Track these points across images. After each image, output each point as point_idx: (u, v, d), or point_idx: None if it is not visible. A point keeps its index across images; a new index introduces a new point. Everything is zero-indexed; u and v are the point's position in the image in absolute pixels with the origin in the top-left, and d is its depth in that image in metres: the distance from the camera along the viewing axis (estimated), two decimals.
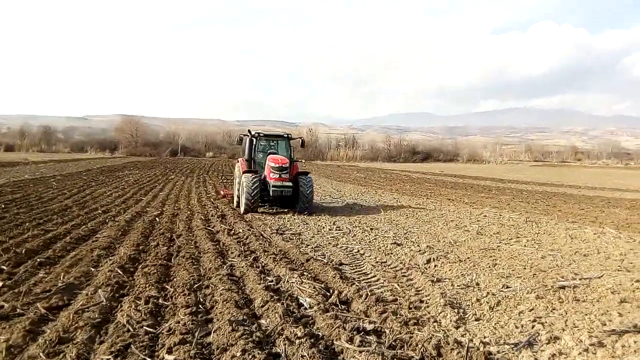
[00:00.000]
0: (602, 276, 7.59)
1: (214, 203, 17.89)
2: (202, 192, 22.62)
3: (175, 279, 7.08)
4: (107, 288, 6.35)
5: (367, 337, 4.82)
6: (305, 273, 7.52)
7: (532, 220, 14.54)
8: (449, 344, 4.61)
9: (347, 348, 4.52)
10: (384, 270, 7.97)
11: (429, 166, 74.01)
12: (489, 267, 8.23)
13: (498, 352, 4.57)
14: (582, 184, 35.07)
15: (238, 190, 16.15)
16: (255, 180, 14.72)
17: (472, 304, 6.16)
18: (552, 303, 6.14)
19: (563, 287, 6.82)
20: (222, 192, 20.08)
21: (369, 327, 5.13)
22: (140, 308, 5.55)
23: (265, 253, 9.05)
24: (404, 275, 7.67)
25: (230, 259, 8.62)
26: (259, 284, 6.76)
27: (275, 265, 8.05)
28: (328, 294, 6.45)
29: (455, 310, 5.78)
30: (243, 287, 6.83)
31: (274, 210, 16.18)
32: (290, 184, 15.11)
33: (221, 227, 12.09)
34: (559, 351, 4.55)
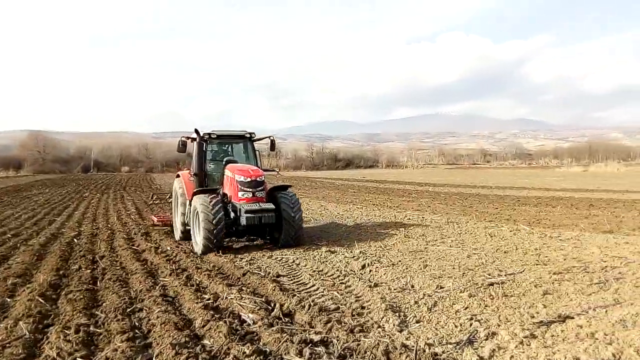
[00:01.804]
0: (523, 271, 8.13)
1: (135, 220, 17.04)
2: (120, 209, 21.50)
3: (105, 304, 6.64)
4: (29, 319, 5.83)
5: (315, 348, 4.80)
6: (243, 288, 7.36)
7: (452, 221, 15.26)
8: (396, 348, 4.70)
9: None
10: (322, 279, 7.99)
11: (352, 173, 75.65)
12: (421, 269, 8.52)
13: (443, 352, 4.72)
14: (493, 184, 37.39)
15: (184, 219, 11.97)
16: (216, 204, 10.27)
17: (411, 306, 6.33)
18: (484, 300, 6.47)
19: (492, 284, 7.22)
20: (154, 219, 14.79)
21: (316, 338, 5.11)
22: (70, 338, 5.14)
23: (199, 270, 8.77)
24: (342, 283, 7.74)
25: (161, 278, 8.25)
26: (197, 302, 6.51)
27: (211, 282, 7.82)
28: (270, 307, 6.35)
29: (397, 314, 5.91)
30: (180, 308, 6.55)
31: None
32: (271, 206, 10.70)
33: (147, 245, 11.55)
34: (497, 346, 4.79)
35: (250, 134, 12.54)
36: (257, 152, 12.72)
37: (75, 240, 12.38)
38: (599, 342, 4.79)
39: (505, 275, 7.83)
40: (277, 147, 13.61)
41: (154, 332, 5.44)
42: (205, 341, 5.17)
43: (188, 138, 12.07)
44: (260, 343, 5.09)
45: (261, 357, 4.55)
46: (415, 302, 6.46)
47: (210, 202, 10.28)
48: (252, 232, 11.39)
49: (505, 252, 10.04)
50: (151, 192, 28.94)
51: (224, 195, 11.07)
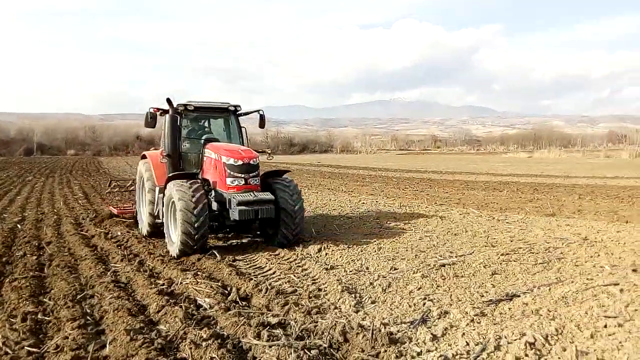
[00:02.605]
0: (473, 252, 8.44)
1: (84, 205, 16.42)
2: (67, 193, 20.64)
3: (53, 291, 6.41)
4: None
5: (273, 331, 4.83)
6: (199, 272, 7.28)
7: (405, 204, 15.59)
8: (353, 328, 4.80)
9: (256, 344, 4.49)
10: (279, 263, 8.01)
11: (307, 157, 75.65)
12: (375, 251, 8.68)
13: (398, 331, 4.85)
14: (443, 169, 38.39)
15: (154, 209, 9.85)
16: (197, 190, 8.41)
17: (366, 287, 6.46)
18: (436, 281, 6.69)
19: (443, 265, 7.46)
20: (115, 211, 12.58)
21: (274, 320, 5.13)
22: (17, 327, 4.96)
23: (151, 255, 8.59)
24: (299, 266, 7.79)
25: (113, 264, 8.04)
26: (151, 288, 6.40)
27: (165, 267, 7.69)
28: (226, 292, 6.32)
29: (353, 296, 6.02)
30: (133, 294, 6.42)
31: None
32: (269, 196, 8.77)
33: (96, 230, 11.17)
34: (450, 324, 4.98)
35: (235, 106, 10.44)
36: (243, 130, 10.60)
37: (18, 226, 11.82)
38: (543, 318, 5.06)
39: (456, 256, 8.10)
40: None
41: (106, 318, 5.31)
42: (161, 326, 5.10)
43: (158, 110, 9.99)
44: (218, 327, 5.07)
45: (219, 340, 4.53)
46: (371, 284, 6.59)
47: (191, 188, 8.40)
48: (240, 227, 9.82)
49: (455, 234, 10.37)
50: (109, 177, 26.69)
51: (204, 181, 9.24)
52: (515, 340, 4.50)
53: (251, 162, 8.95)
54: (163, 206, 9.14)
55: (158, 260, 8.19)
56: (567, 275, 6.86)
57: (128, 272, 7.45)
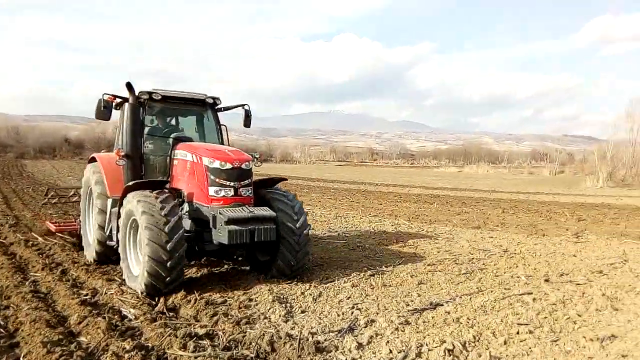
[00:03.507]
0: (402, 262, 8.73)
1: (3, 211, 15.36)
2: None
3: None
4: None
5: (200, 341, 4.77)
6: (125, 283, 7.05)
7: (340, 215, 15.86)
8: (281, 338, 4.84)
9: (181, 355, 4.42)
10: (210, 272, 7.91)
11: None
12: (308, 261, 8.76)
13: (325, 340, 4.94)
14: (379, 181, 39.31)
15: (105, 230, 7.84)
16: (168, 203, 6.50)
17: (297, 297, 6.50)
18: (365, 290, 6.86)
19: (373, 275, 7.66)
20: (52, 228, 10.11)
21: (201, 331, 5.08)
22: None
23: (75, 264, 8.21)
24: (232, 276, 7.72)
25: (32, 273, 7.62)
26: (73, 299, 6.12)
27: (89, 277, 7.39)
28: (153, 302, 6.17)
29: (283, 305, 6.05)
30: (53, 304, 6.12)
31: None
32: (269, 212, 6.92)
33: (15, 237, 10.51)
34: (375, 332, 5.13)
35: (214, 99, 8.40)
36: (223, 128, 8.67)
37: None
38: (462, 326, 5.33)
39: (385, 267, 8.35)
40: None
41: (22, 330, 5.04)
42: (82, 338, 4.91)
43: (114, 97, 7.93)
44: (142, 338, 4.94)
45: (143, 352, 4.42)
46: (302, 293, 6.65)
47: (158, 198, 6.48)
48: (223, 253, 7.82)
49: (386, 245, 10.67)
50: (46, 185, 22.39)
51: (175, 192, 7.32)
52: (435, 347, 4.72)
53: (243, 166, 7.04)
54: (118, 225, 7.11)
55: (82, 269, 7.85)
56: (487, 285, 7.26)
57: (49, 281, 7.08)
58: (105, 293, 6.49)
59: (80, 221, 9.43)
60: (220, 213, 6.56)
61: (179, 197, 7.22)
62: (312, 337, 4.93)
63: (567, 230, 13.54)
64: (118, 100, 8.04)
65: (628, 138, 42.41)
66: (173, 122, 8.73)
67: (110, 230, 7.69)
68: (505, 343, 4.89)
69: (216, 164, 6.88)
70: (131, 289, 6.66)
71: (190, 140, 7.96)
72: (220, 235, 6.52)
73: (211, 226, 6.70)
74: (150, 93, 7.81)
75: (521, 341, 4.94)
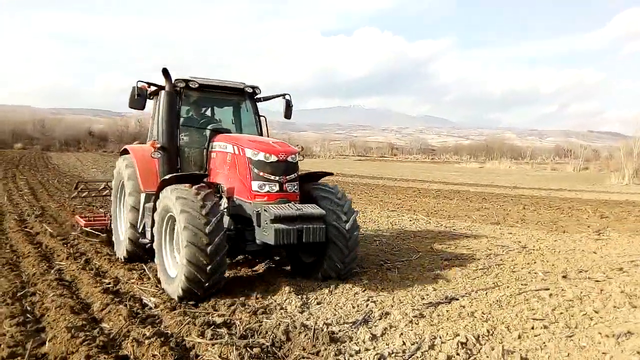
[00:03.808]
0: (419, 257, 8.75)
1: (29, 201, 15.82)
2: (12, 189, 19.84)
3: None
4: None
5: (217, 330, 4.89)
6: (146, 272, 7.24)
7: (358, 209, 15.85)
8: (296, 328, 4.93)
9: (199, 342, 4.55)
10: (230, 264, 8.04)
11: None
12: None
13: (340, 330, 5.02)
14: (398, 176, 39.17)
15: (138, 226, 7.46)
16: (209, 200, 5.99)
17: (313, 289, 6.59)
18: (381, 283, 6.92)
19: (389, 269, 7.71)
20: (81, 222, 9.99)
21: (219, 320, 5.20)
22: None
23: (98, 254, 8.44)
24: (250, 267, 7.84)
25: (57, 262, 7.86)
26: (95, 287, 6.32)
27: (112, 267, 7.60)
28: None
29: (299, 297, 6.14)
30: (77, 292, 6.33)
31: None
32: (319, 210, 6.38)
33: (42, 228, 10.84)
34: (389, 325, 5.18)
35: (253, 88, 8.02)
36: (263, 119, 8.22)
37: None
38: (476, 320, 5.34)
39: (401, 260, 8.38)
40: None
41: (47, 316, 5.24)
42: (104, 324, 5.08)
43: (149, 85, 7.57)
44: (162, 326, 5.10)
45: (162, 338, 4.56)
46: (318, 285, 6.73)
47: (199, 195, 5.96)
48: (265, 252, 7.47)
49: (403, 239, 10.69)
50: (76, 178, 21.94)
51: (214, 187, 6.85)
52: (448, 340, 4.75)
53: (289, 159, 6.55)
54: (153, 219, 6.69)
55: (105, 259, 8.07)
56: (504, 280, 7.23)
57: (73, 270, 7.31)
58: (127, 282, 6.68)
59: (110, 216, 9.30)
60: (265, 210, 6.06)
61: (217, 192, 6.77)
62: (327, 328, 5.01)
63: (588, 227, 13.36)
64: (152, 88, 7.66)
65: None
66: (208, 112, 8.29)
67: (143, 227, 7.33)
68: (519, 337, 4.89)
69: (260, 156, 6.39)
70: (161, 286, 6.39)
71: (228, 131, 7.61)
72: (265, 234, 6.04)
73: (255, 224, 6.23)
74: (187, 81, 7.36)
75: (535, 336, 4.94)
